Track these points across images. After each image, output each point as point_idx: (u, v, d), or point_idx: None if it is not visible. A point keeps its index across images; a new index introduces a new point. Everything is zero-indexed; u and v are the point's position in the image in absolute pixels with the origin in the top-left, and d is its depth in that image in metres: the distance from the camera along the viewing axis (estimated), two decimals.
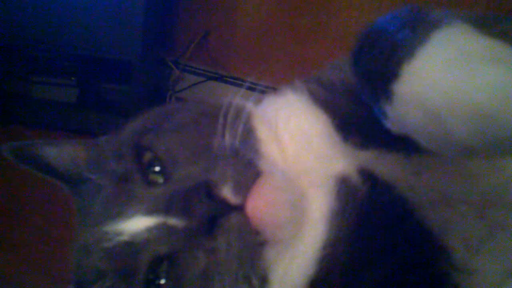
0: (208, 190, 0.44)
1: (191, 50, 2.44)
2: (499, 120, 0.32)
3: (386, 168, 0.46)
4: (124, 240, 0.46)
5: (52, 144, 0.59)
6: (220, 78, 2.46)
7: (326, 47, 2.11)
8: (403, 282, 0.42)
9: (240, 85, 2.43)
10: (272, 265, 0.46)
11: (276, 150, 0.51)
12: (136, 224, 0.46)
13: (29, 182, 1.89)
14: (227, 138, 0.49)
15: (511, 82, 0.32)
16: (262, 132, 0.52)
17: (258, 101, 0.59)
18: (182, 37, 2.46)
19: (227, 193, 0.45)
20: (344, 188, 0.47)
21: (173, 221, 0.45)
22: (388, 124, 0.41)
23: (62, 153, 0.58)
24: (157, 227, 0.45)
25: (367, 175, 0.47)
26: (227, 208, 0.44)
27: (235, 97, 0.56)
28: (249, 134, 0.51)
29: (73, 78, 2.37)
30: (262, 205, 0.45)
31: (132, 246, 0.46)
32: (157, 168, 0.49)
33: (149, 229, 0.46)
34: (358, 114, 0.49)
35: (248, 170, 0.46)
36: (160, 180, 0.49)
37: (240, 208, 0.44)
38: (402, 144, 0.44)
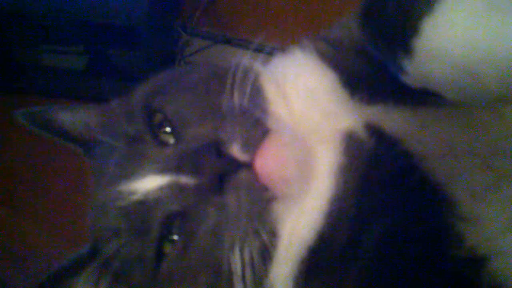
0: (217, 149, 0.46)
1: (199, 13, 2.41)
2: None
3: (393, 123, 0.47)
4: (137, 199, 0.48)
5: (65, 109, 0.60)
6: (228, 41, 2.47)
7: (334, 5, 2.07)
8: (409, 233, 0.43)
9: (248, 48, 2.41)
10: (281, 219, 0.47)
11: (283, 109, 0.52)
12: (149, 183, 0.48)
13: (47, 152, 1.93)
14: (236, 98, 0.50)
15: None
16: (270, 91, 0.53)
17: (266, 61, 0.59)
18: (189, 0, 2.43)
19: (236, 150, 0.46)
20: (350, 144, 0.48)
21: (184, 179, 0.46)
22: (406, 79, 0.42)
23: (75, 117, 0.60)
24: (169, 186, 0.47)
25: (373, 130, 0.47)
26: (236, 165, 0.46)
27: (243, 58, 0.56)
28: (257, 93, 0.52)
29: (81, 46, 2.38)
30: (270, 161, 0.46)
31: (145, 205, 0.48)
32: (167, 129, 0.51)
33: (161, 188, 0.47)
34: (365, 71, 0.49)
35: (257, 128, 0.47)
36: (171, 140, 0.50)
37: (249, 165, 0.46)
38: (409, 99, 0.45)
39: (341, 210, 0.46)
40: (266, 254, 0.47)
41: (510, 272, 0.41)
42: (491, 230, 0.42)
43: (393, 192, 0.45)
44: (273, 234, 0.47)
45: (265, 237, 0.46)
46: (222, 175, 0.45)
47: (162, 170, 0.47)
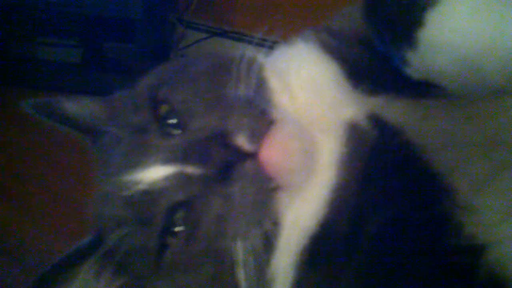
0: (223, 139, 0.46)
1: (194, 6, 2.40)
2: None
3: (395, 114, 0.47)
4: (142, 189, 0.48)
5: (71, 100, 0.61)
6: (224, 34, 2.45)
7: None
8: (410, 222, 0.44)
9: (245, 41, 2.41)
10: (284, 209, 0.48)
11: (287, 99, 0.53)
12: (154, 173, 0.48)
13: (47, 147, 1.89)
14: (241, 89, 0.50)
15: None
16: (274, 82, 0.54)
17: (269, 53, 0.60)
18: None
19: (242, 141, 0.46)
20: (353, 134, 0.48)
21: (190, 169, 0.47)
22: (408, 70, 0.42)
23: (81, 107, 0.60)
24: (175, 176, 0.47)
25: (376, 121, 0.48)
26: (241, 155, 0.46)
27: (246, 49, 0.57)
28: (261, 84, 0.53)
29: (76, 38, 2.38)
30: (275, 152, 0.46)
31: (150, 195, 0.48)
32: (173, 120, 0.51)
33: (166, 178, 0.47)
34: (368, 61, 0.50)
35: (262, 119, 0.48)
36: (177, 130, 0.51)
37: (254, 156, 0.46)
38: (411, 90, 0.46)
39: (343, 199, 0.47)
40: (268, 244, 0.47)
41: (508, 260, 0.42)
42: (490, 219, 0.43)
43: (394, 182, 0.46)
44: (276, 224, 0.48)
45: (268, 226, 0.47)
46: (228, 165, 0.46)
47: (168, 160, 0.48)
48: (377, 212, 0.45)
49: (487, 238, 0.42)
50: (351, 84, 0.50)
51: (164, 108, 0.52)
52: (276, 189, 0.47)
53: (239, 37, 2.40)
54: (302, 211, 0.48)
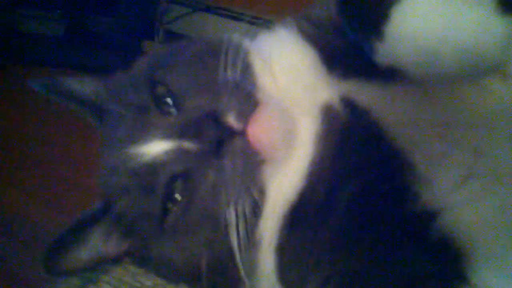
0: (215, 118, 0.53)
1: None
2: (481, 53, 0.40)
3: (365, 96, 0.54)
4: (145, 161, 0.55)
5: (76, 80, 0.66)
6: (207, 9, 2.43)
7: None
8: (375, 191, 0.51)
9: (227, 16, 2.42)
10: (269, 179, 0.55)
11: (271, 83, 0.59)
12: (156, 147, 0.55)
13: (58, 136, 1.92)
14: (229, 73, 0.57)
15: (488, 20, 0.40)
16: (259, 67, 0.60)
17: (254, 37, 0.66)
18: None
19: (231, 120, 0.53)
20: (328, 115, 0.55)
21: (186, 144, 0.53)
22: (377, 58, 0.48)
23: (85, 86, 0.66)
24: (173, 150, 0.54)
25: (347, 103, 0.55)
26: (231, 133, 0.53)
27: (233, 34, 0.63)
28: (247, 69, 0.59)
29: (59, 11, 2.32)
30: (260, 130, 0.53)
31: (152, 166, 0.55)
32: (169, 100, 0.57)
33: (166, 152, 0.54)
34: (342, 49, 0.56)
35: (248, 100, 0.54)
36: (173, 110, 0.57)
37: (242, 133, 0.53)
38: (379, 75, 0.52)
39: (319, 172, 0.54)
40: (256, 209, 0.55)
41: (457, 224, 0.49)
42: (442, 189, 0.50)
43: (363, 157, 0.53)
44: (262, 192, 0.55)
45: (255, 194, 0.54)
46: (220, 141, 0.53)
47: (167, 136, 0.54)
48: (348, 183, 0.52)
49: (439, 206, 0.50)
50: (326, 69, 0.57)
51: (161, 89, 0.58)
52: (262, 162, 0.54)
53: (222, 13, 2.42)
54: (284, 181, 0.55)
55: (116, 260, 0.63)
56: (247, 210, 0.54)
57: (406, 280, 0.51)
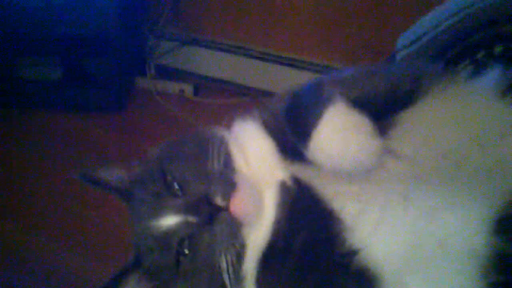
0: (208, 200, 0.77)
1: (165, 16, 2.49)
2: (365, 166, 0.66)
3: (306, 175, 0.75)
4: (163, 230, 0.79)
5: (105, 169, 0.91)
6: (194, 42, 2.55)
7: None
8: (315, 239, 0.73)
9: (215, 48, 2.53)
10: (247, 236, 0.78)
11: (244, 165, 0.83)
12: (169, 221, 0.78)
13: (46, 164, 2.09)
14: (215, 163, 0.81)
15: (370, 146, 0.66)
16: (236, 154, 0.84)
17: (231, 129, 0.90)
18: (156, 4, 2.51)
19: (219, 201, 0.77)
20: (283, 189, 0.76)
21: (190, 218, 0.77)
22: (305, 154, 0.74)
23: (113, 174, 0.90)
24: (181, 222, 0.78)
25: (295, 180, 0.75)
26: (219, 209, 0.77)
27: (218, 130, 0.88)
28: (228, 158, 0.83)
29: (57, 57, 2.43)
30: (238, 204, 0.77)
31: (168, 233, 0.79)
32: (176, 185, 0.81)
33: (176, 224, 0.78)
34: (290, 139, 0.80)
35: (229, 184, 0.78)
36: (179, 192, 0.81)
37: (226, 208, 0.77)
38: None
39: (279, 228, 0.74)
40: (240, 257, 0.75)
41: (371, 258, 0.67)
42: (362, 234, 0.68)
43: (308, 216, 0.75)
44: (243, 245, 0.75)
45: (238, 247, 0.75)
46: (212, 215, 0.76)
47: (177, 213, 0.78)
48: (299, 235, 0.75)
49: (359, 246, 0.68)
50: (280, 155, 0.80)
51: (169, 178, 0.82)
52: (241, 225, 0.77)
53: (210, 45, 2.53)
54: (257, 236, 0.75)
55: None
56: (234, 258, 0.74)
57: None
